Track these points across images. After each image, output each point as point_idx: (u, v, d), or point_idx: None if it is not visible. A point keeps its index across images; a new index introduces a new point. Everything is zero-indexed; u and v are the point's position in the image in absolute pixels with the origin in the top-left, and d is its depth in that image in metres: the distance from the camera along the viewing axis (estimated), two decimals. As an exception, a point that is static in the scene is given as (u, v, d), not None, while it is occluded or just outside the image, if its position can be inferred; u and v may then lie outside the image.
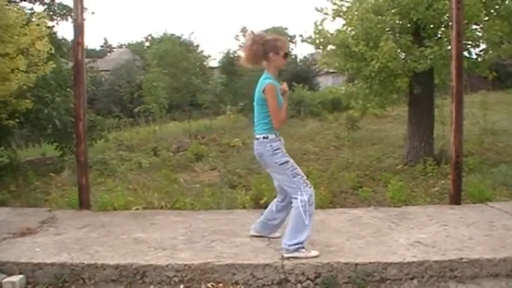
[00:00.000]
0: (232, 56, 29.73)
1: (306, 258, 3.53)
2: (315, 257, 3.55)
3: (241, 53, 3.86)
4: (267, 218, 4.09)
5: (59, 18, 13.23)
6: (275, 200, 4.07)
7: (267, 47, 3.70)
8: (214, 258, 3.62)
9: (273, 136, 3.71)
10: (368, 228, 4.27)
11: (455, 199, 5.30)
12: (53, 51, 8.92)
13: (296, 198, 3.61)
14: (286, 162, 3.68)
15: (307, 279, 3.43)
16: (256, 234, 4.16)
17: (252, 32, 3.80)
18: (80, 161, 5.57)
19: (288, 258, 3.54)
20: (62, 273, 3.55)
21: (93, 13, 14.66)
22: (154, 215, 5.14)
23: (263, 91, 3.65)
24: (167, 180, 7.93)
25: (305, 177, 3.71)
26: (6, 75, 7.64)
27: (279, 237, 3.97)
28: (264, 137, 3.70)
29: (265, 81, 3.67)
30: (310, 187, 3.67)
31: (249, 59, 3.77)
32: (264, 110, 3.70)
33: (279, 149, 3.69)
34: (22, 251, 3.88)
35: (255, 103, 3.79)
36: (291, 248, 3.57)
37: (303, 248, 3.58)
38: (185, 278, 3.49)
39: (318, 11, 9.88)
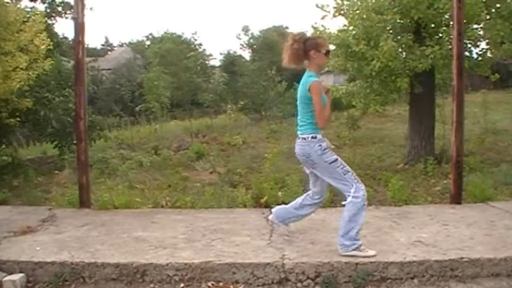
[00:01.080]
0: (233, 55, 29.77)
1: (364, 257, 3.52)
2: (373, 256, 3.54)
3: (283, 54, 3.84)
4: (293, 206, 4.09)
5: (57, 16, 13.21)
6: (308, 192, 4.06)
7: (308, 45, 3.74)
8: (215, 257, 3.62)
9: (320, 136, 3.72)
10: (369, 228, 4.27)
11: (456, 198, 5.30)
12: (51, 47, 8.91)
13: (349, 195, 3.62)
14: (336, 160, 3.69)
15: (308, 278, 3.44)
16: (274, 220, 4.16)
17: (292, 32, 3.85)
18: (81, 159, 5.57)
19: (345, 255, 3.55)
20: (62, 272, 3.56)
21: (91, 8, 14.56)
22: (155, 214, 5.14)
23: (308, 89, 3.64)
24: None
25: (355, 174, 3.72)
26: (8, 73, 7.64)
27: (282, 226, 4.11)
28: (312, 137, 3.70)
29: (310, 79, 3.67)
30: (362, 183, 3.69)
31: (291, 59, 3.79)
32: (309, 108, 3.70)
33: (327, 148, 3.71)
34: (23, 250, 3.88)
35: (298, 102, 3.81)
36: (350, 247, 3.57)
37: (360, 246, 3.58)
38: (185, 277, 3.49)
39: (319, 7, 9.85)
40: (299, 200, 4.09)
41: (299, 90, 3.77)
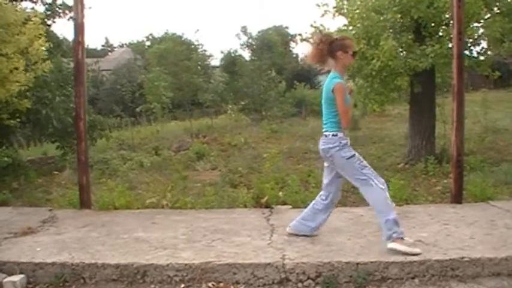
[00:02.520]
0: (233, 54, 29.76)
1: (409, 254, 3.50)
2: (418, 254, 3.52)
3: (308, 52, 3.95)
4: (304, 218, 4.10)
5: (57, 17, 13.21)
6: (316, 198, 4.11)
7: (335, 46, 3.79)
8: (215, 257, 3.62)
9: (342, 134, 3.82)
10: (369, 227, 4.26)
11: (457, 198, 5.28)
12: (51, 49, 8.91)
13: (372, 186, 3.67)
14: (353, 155, 3.77)
15: (308, 278, 3.43)
16: (293, 232, 4.13)
17: (319, 32, 3.86)
18: (81, 160, 5.56)
19: (391, 249, 3.56)
20: (62, 273, 3.55)
21: (90, 8, 14.54)
22: (155, 214, 5.14)
23: (332, 90, 3.72)
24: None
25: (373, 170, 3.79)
26: (6, 75, 7.63)
27: (317, 235, 4.07)
28: (333, 134, 3.82)
29: (334, 80, 3.75)
30: (380, 177, 3.76)
31: (314, 58, 3.88)
32: (333, 108, 3.80)
33: (346, 145, 3.80)
34: (23, 251, 3.88)
35: (322, 101, 3.89)
36: (393, 235, 3.57)
37: (402, 238, 3.59)
38: (186, 278, 3.48)
39: (319, 6, 9.85)
40: (312, 206, 4.08)
41: (323, 90, 3.86)
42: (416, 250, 3.57)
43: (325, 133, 3.88)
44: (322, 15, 9.80)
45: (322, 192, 4.08)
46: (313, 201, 4.13)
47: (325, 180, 4.06)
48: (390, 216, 3.61)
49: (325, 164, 4.05)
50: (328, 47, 3.79)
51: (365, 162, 3.78)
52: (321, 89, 3.97)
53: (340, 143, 3.78)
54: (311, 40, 3.95)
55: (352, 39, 3.98)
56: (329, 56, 3.82)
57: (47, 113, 10.79)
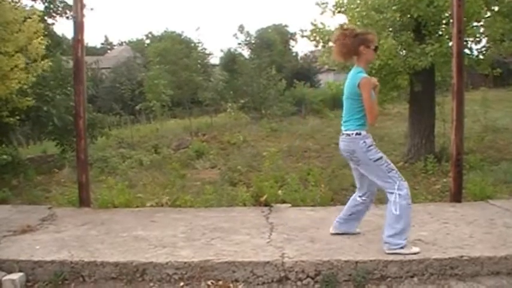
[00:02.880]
0: (233, 52, 29.75)
1: (408, 254, 3.50)
2: (416, 253, 3.51)
3: (333, 48, 3.85)
4: (345, 214, 4.05)
5: (57, 16, 13.21)
6: (354, 195, 4.06)
7: (358, 40, 3.69)
8: (214, 255, 3.61)
9: (365, 132, 3.70)
10: (368, 226, 4.26)
11: (456, 197, 5.29)
12: (51, 48, 8.92)
13: (392, 193, 3.58)
14: (381, 157, 3.65)
15: (308, 276, 3.43)
16: (336, 231, 4.08)
17: (342, 26, 3.78)
18: (80, 158, 5.55)
19: (390, 254, 3.52)
20: (61, 271, 3.55)
21: (92, 9, 14.62)
22: (154, 213, 5.13)
23: (358, 85, 3.60)
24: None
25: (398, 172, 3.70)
26: (6, 73, 7.63)
27: (359, 233, 4.04)
28: (356, 133, 3.67)
29: (360, 75, 3.63)
30: (405, 181, 3.66)
31: (340, 53, 3.76)
32: (357, 104, 3.67)
33: (372, 145, 3.68)
34: (22, 249, 3.88)
35: (345, 97, 3.77)
36: (393, 247, 3.53)
37: (405, 245, 3.55)
38: (185, 276, 3.49)
39: (318, 5, 9.85)
40: (350, 203, 4.05)
41: (346, 86, 3.73)
42: (415, 249, 3.56)
43: (347, 132, 3.73)
44: (322, 13, 9.81)
45: (357, 192, 4.01)
46: (350, 201, 4.06)
47: (357, 181, 3.99)
48: (404, 229, 3.55)
49: (352, 166, 3.93)
50: (352, 41, 3.68)
51: (392, 165, 3.69)
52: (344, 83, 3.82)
53: (365, 142, 3.64)
54: (334, 37, 3.83)
55: (374, 34, 3.86)
56: (352, 51, 3.73)
57: (49, 110, 10.80)
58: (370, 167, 3.67)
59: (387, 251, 3.56)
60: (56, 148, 12.37)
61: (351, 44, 3.68)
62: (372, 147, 3.65)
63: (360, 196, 3.98)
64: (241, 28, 36.55)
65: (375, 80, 3.81)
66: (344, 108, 3.80)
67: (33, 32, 8.01)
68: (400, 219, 3.54)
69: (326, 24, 9.92)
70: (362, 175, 3.86)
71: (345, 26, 3.76)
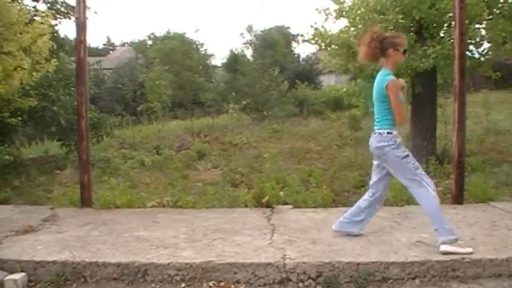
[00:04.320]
0: (237, 53, 29.78)
1: (464, 254, 3.52)
2: (471, 253, 3.53)
3: (360, 50, 3.94)
4: (352, 214, 4.09)
5: (61, 17, 13.21)
6: (364, 196, 4.11)
7: (386, 44, 3.78)
8: (216, 256, 3.62)
9: (395, 132, 3.83)
10: (370, 228, 4.26)
11: (458, 199, 5.29)
12: (54, 50, 8.93)
13: (416, 192, 3.74)
14: (408, 155, 3.78)
15: (309, 278, 3.43)
16: (338, 230, 4.12)
17: (371, 29, 3.86)
18: (82, 158, 5.57)
19: (443, 253, 3.55)
20: (63, 271, 3.56)
21: (95, 12, 14.65)
22: (156, 213, 5.14)
23: (386, 87, 3.72)
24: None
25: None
26: (9, 73, 7.64)
27: (361, 235, 4.08)
28: (388, 132, 3.80)
29: (387, 77, 3.75)
30: (430, 178, 3.81)
31: (367, 56, 3.87)
32: (386, 106, 3.79)
33: (401, 143, 3.82)
34: (24, 249, 3.88)
35: (374, 99, 3.90)
36: (446, 243, 3.57)
37: (456, 239, 3.60)
38: (187, 277, 3.49)
39: (319, 12, 9.87)
40: (360, 204, 4.09)
41: (375, 88, 3.85)
42: (468, 249, 3.57)
43: (379, 131, 3.86)
44: (326, 20, 9.84)
45: (369, 190, 4.08)
46: (359, 202, 4.11)
47: (374, 178, 4.06)
48: (444, 224, 3.62)
49: (375, 162, 4.03)
50: (380, 44, 3.77)
51: (417, 163, 3.80)
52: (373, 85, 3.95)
53: (395, 141, 3.77)
54: (362, 39, 3.91)
55: (403, 37, 3.95)
56: (380, 54, 3.81)
57: (57, 110, 10.81)
58: (397, 164, 3.80)
59: (442, 250, 3.56)
60: (58, 148, 12.38)
61: (380, 47, 3.78)
62: (400, 146, 3.80)
63: (369, 196, 4.04)
64: (249, 28, 36.78)
65: (402, 81, 3.92)
66: (375, 109, 3.93)
67: (39, 33, 8.01)
68: (437, 216, 3.65)
69: (327, 27, 9.96)
70: (381, 177, 3.99)
71: (374, 30, 3.85)
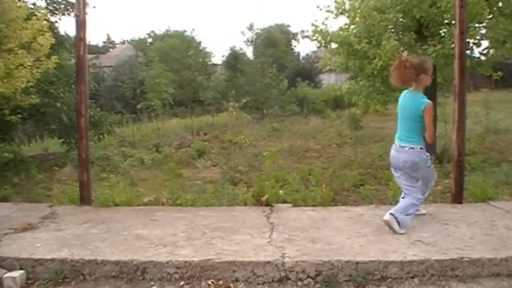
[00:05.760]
0: (237, 51, 29.76)
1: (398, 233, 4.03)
2: (402, 233, 4.04)
3: (393, 75, 4.34)
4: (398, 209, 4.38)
5: (60, 14, 13.20)
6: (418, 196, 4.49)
7: (419, 69, 4.21)
8: (215, 255, 3.62)
9: (424, 147, 4.30)
10: (369, 227, 4.26)
11: (457, 198, 5.28)
12: (54, 47, 8.90)
13: (417, 194, 4.31)
14: (431, 164, 4.47)
15: (308, 277, 3.43)
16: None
17: (402, 56, 4.37)
18: (82, 156, 5.56)
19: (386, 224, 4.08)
20: (62, 269, 3.56)
21: (94, 7, 14.62)
22: (155, 212, 5.13)
23: (423, 110, 4.14)
24: (171, 175, 7.89)
25: None
26: (10, 71, 7.62)
27: (424, 214, 4.69)
28: (420, 148, 4.26)
29: (424, 100, 4.18)
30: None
31: (402, 82, 4.30)
32: (419, 125, 4.23)
33: (429, 156, 4.38)
34: (23, 247, 3.89)
35: (406, 117, 4.29)
36: (398, 217, 4.10)
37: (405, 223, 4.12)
38: (185, 275, 3.49)
39: (320, 9, 9.86)
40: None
41: (408, 108, 4.26)
42: (401, 231, 4.05)
43: (411, 145, 4.23)
44: (326, 18, 9.84)
45: (416, 190, 4.43)
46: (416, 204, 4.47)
47: (407, 182, 4.40)
48: (408, 218, 4.18)
49: (396, 174, 4.44)
50: (415, 71, 4.17)
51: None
52: (401, 104, 4.37)
53: (426, 155, 4.30)
54: (395, 64, 4.31)
55: (430, 61, 4.44)
56: (414, 79, 4.21)
57: (59, 107, 10.79)
58: (425, 172, 4.39)
59: (386, 218, 4.08)
60: (59, 146, 12.37)
61: (412, 74, 4.19)
62: (429, 157, 4.37)
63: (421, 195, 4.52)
64: (250, 26, 36.86)
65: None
66: (404, 126, 4.33)
67: (38, 30, 7.98)
68: (411, 207, 4.24)
69: (328, 24, 9.96)
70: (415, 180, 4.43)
71: (403, 58, 4.28)
